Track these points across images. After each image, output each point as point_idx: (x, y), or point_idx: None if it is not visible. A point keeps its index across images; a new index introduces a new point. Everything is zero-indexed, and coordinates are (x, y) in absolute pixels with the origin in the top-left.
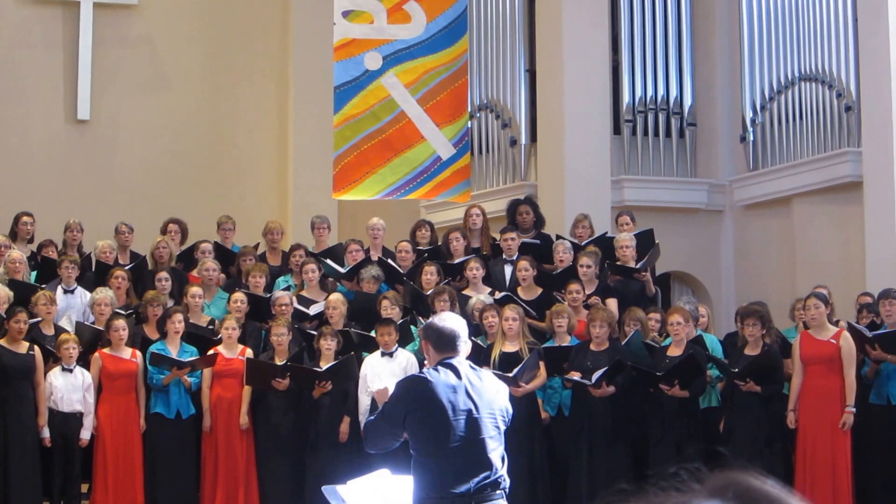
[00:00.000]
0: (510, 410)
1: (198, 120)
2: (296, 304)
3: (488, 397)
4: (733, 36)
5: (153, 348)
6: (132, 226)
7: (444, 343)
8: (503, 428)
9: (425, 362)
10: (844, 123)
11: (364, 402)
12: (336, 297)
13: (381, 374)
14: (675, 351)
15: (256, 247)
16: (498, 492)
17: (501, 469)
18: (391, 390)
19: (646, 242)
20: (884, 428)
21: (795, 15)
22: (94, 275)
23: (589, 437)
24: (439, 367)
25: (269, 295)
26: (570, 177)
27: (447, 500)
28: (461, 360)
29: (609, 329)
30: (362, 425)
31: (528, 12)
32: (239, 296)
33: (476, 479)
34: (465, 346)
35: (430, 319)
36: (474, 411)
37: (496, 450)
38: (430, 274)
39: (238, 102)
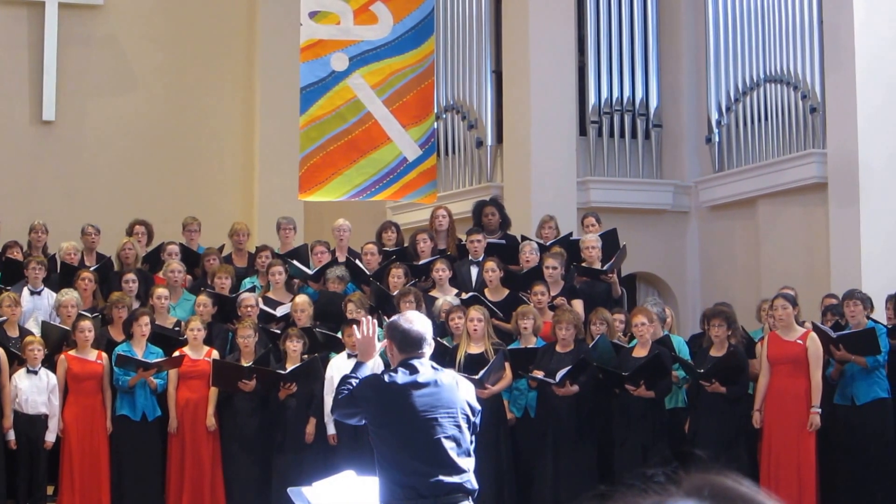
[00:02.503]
0: (475, 405)
1: (163, 121)
2: (262, 306)
3: (448, 396)
4: (699, 38)
5: (119, 350)
6: (98, 227)
7: (408, 344)
8: (465, 426)
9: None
10: (809, 125)
11: (329, 404)
12: (302, 298)
13: None
14: (640, 352)
15: (222, 248)
16: (461, 494)
17: (466, 469)
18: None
19: (611, 243)
20: (848, 428)
21: (761, 17)
22: (59, 276)
23: (554, 439)
24: (398, 369)
25: (234, 295)
26: (536, 178)
27: (412, 502)
28: (423, 361)
29: (575, 331)
30: (329, 407)
31: (495, 14)
32: (204, 299)
33: (439, 480)
34: (429, 347)
35: (395, 318)
36: (433, 411)
37: (455, 449)
38: (396, 277)
39: (204, 103)
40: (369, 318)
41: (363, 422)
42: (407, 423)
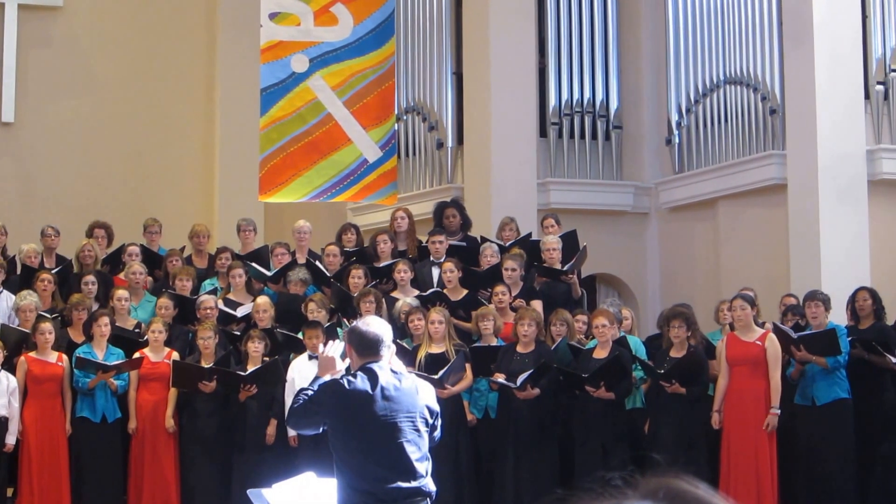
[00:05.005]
0: (435, 408)
1: (123, 122)
2: (222, 307)
3: (407, 400)
4: (659, 39)
5: (79, 352)
6: (58, 228)
7: (366, 347)
8: (423, 430)
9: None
10: (769, 126)
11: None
12: (264, 300)
13: (309, 377)
14: (600, 353)
15: (182, 249)
16: (419, 497)
17: (424, 473)
18: (339, 366)
19: (571, 244)
20: (808, 429)
21: (720, 18)
22: (18, 278)
23: (515, 440)
24: (358, 373)
25: (195, 297)
26: (497, 179)
27: None
28: (382, 365)
29: (537, 329)
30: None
31: (456, 15)
32: (164, 301)
33: (397, 484)
34: (388, 350)
35: (355, 323)
36: (393, 416)
37: (415, 453)
38: (357, 277)
39: (164, 105)
40: (334, 341)
41: (321, 429)
42: (367, 428)
